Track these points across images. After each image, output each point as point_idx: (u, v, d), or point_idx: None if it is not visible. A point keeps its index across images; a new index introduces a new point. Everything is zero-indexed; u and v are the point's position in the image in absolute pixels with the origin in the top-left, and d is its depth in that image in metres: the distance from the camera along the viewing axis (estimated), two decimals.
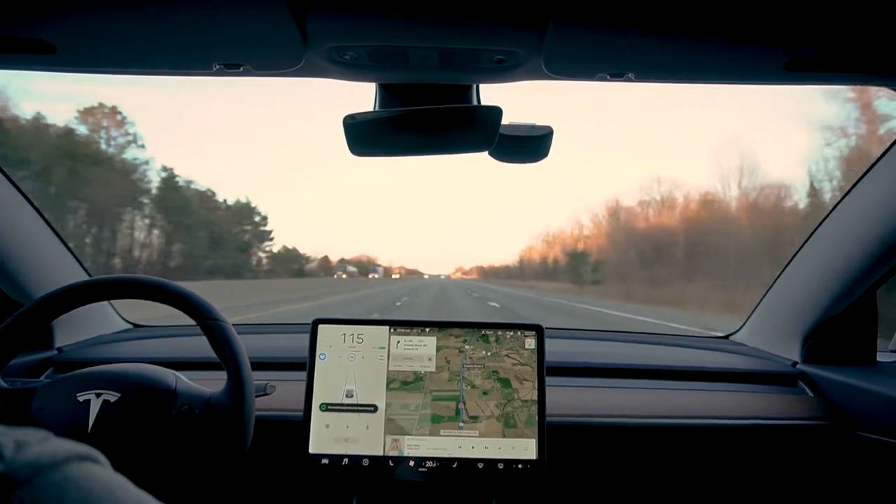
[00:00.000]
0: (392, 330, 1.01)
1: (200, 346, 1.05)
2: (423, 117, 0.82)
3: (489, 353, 1.00)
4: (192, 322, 0.83)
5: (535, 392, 0.98)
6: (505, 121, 0.83)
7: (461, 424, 0.97)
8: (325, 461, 0.94)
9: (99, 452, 0.28)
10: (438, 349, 1.00)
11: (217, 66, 0.73)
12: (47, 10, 0.62)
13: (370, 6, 0.62)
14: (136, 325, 1.48)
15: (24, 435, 0.25)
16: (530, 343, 1.01)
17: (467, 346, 1.01)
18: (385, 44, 0.69)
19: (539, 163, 0.92)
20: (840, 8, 0.60)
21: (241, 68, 0.74)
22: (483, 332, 1.01)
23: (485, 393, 0.99)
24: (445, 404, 0.98)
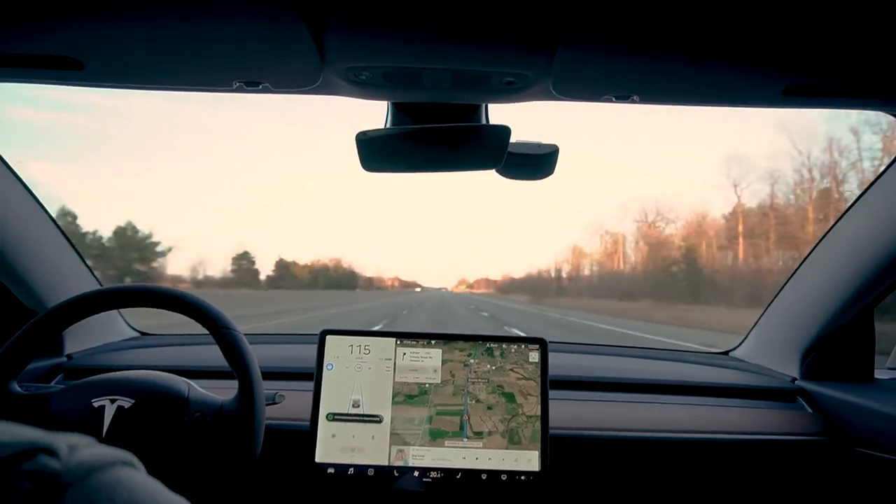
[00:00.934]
0: (398, 342, 1.02)
1: (206, 354, 1.07)
2: (433, 135, 0.85)
3: (494, 368, 1.02)
4: (197, 331, 0.84)
5: (540, 407, 1.00)
6: (512, 139, 0.85)
7: (464, 440, 0.98)
8: (330, 470, 0.95)
9: (137, 459, 0.29)
10: (444, 362, 1.01)
11: (237, 84, 0.76)
12: (76, 29, 0.64)
13: (387, 28, 0.64)
14: (143, 333, 1.49)
15: (74, 439, 0.27)
16: (534, 357, 1.02)
17: (472, 360, 1.02)
18: (400, 65, 0.71)
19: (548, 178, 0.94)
20: (836, 35, 0.63)
21: (260, 86, 0.76)
22: (488, 345, 1.03)
23: (489, 408, 0.99)
24: (450, 419, 0.98)
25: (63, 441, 0.26)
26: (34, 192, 1.09)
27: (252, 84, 0.75)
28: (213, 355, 0.83)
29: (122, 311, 1.45)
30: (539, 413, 0.99)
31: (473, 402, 1.00)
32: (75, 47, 0.68)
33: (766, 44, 0.63)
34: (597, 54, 0.67)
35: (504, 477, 0.96)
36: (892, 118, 0.88)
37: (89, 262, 1.30)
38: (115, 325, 1.43)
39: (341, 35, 0.66)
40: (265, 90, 0.77)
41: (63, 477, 0.24)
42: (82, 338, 1.30)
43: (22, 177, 1.06)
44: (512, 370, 1.01)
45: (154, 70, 0.74)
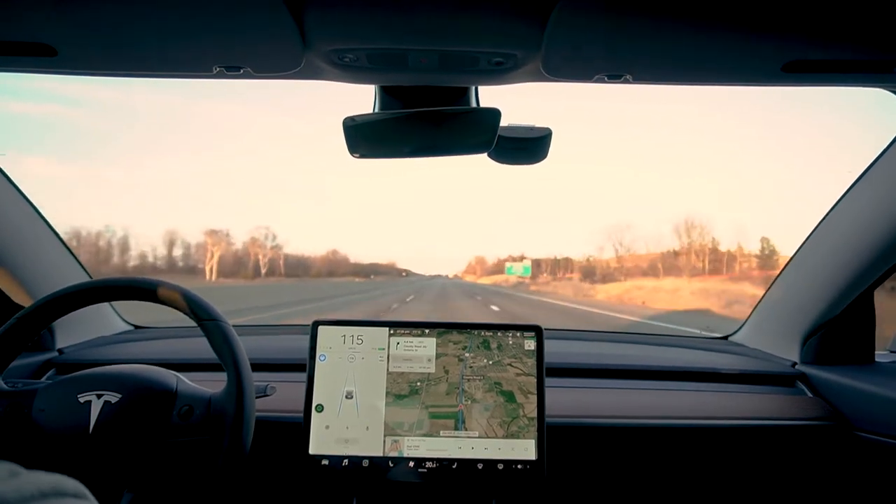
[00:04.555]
0: (392, 331, 1.01)
1: (201, 347, 1.05)
2: (422, 119, 0.83)
3: (490, 362, 0.99)
4: (192, 323, 0.83)
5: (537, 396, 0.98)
6: (504, 122, 0.83)
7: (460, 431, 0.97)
8: (325, 462, 0.94)
9: (84, 488, 0.27)
10: (437, 356, 0.99)
11: (217, 69, 0.73)
12: (49, 13, 0.62)
13: (369, 9, 0.62)
14: (136, 327, 1.48)
15: None
16: (530, 344, 1.01)
17: (467, 354, 0.99)
18: (384, 46, 0.69)
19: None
20: (836, 10, 0.60)
21: (241, 71, 0.74)
22: (483, 336, 1.01)
23: (486, 409, 0.97)
24: (443, 422, 0.96)
25: None
26: (19, 185, 1.08)
27: (232, 69, 0.73)
28: (206, 347, 0.82)
29: (115, 304, 1.44)
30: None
31: (469, 401, 0.97)
32: (47, 33, 0.65)
33: (765, 16, 0.61)
34: (587, 31, 0.65)
35: (500, 466, 0.95)
36: (891, 95, 0.85)
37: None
38: (108, 319, 1.41)
39: (323, 16, 0.64)
40: (247, 75, 0.75)
41: None
42: (75, 332, 1.28)
43: (6, 171, 1.04)
44: (510, 365, 0.99)
45: (130, 56, 0.71)
